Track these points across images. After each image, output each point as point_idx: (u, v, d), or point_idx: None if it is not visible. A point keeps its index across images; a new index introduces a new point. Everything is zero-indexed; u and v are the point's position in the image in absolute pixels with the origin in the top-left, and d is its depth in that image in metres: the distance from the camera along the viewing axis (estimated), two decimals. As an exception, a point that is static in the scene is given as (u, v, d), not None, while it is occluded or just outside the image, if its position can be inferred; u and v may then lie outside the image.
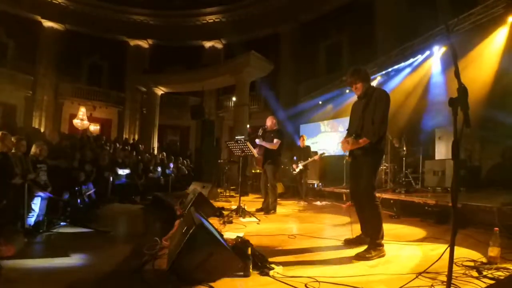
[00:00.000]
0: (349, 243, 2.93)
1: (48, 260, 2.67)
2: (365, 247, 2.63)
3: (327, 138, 10.55)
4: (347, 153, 2.95)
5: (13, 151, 4.09)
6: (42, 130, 13.37)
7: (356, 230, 3.05)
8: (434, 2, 9.60)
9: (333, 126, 10.47)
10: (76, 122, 15.54)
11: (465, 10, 6.07)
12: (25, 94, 15.80)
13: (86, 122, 15.77)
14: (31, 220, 3.78)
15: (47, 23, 16.15)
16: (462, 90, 1.36)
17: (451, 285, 1.50)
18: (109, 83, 17.85)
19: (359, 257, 2.48)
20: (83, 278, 2.21)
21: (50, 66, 16.15)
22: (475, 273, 2.05)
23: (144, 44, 18.25)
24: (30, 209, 3.77)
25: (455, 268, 2.06)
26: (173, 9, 17.32)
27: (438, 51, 6.88)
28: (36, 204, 3.90)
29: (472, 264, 2.21)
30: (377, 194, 3.01)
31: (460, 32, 6.08)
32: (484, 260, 2.26)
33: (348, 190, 6.36)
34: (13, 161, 3.91)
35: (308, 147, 7.12)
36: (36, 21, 15.90)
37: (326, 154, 7.15)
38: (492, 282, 1.91)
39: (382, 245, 2.59)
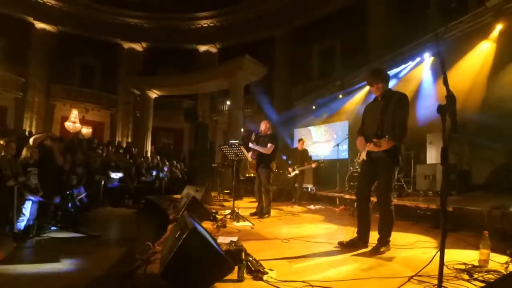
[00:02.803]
0: (343, 246, 2.94)
1: (38, 265, 2.62)
2: (359, 250, 2.81)
3: (321, 142, 10.62)
4: (364, 155, 2.91)
5: (2, 154, 4.03)
6: (33, 132, 13.15)
7: (351, 233, 3.08)
8: (425, 9, 9.80)
9: (327, 130, 10.55)
10: (68, 124, 15.35)
11: (455, 18, 6.21)
12: (16, 96, 15.57)
13: (78, 125, 15.59)
14: (21, 224, 3.72)
15: (39, 25, 15.99)
16: (450, 97, 1.40)
17: (442, 287, 1.52)
18: (102, 86, 17.70)
19: (373, 252, 2.70)
20: (74, 283, 2.18)
21: (41, 68, 15.97)
22: (466, 276, 2.08)
23: (138, 47, 18.18)
24: (20, 213, 3.71)
25: (446, 271, 2.09)
26: (167, 13, 17.32)
27: (429, 57, 7.01)
28: (27, 208, 3.83)
29: (463, 267, 2.24)
30: (371, 199, 3.05)
31: (450, 40, 6.21)
32: (475, 263, 2.29)
33: (340, 194, 6.43)
34: (2, 164, 3.85)
35: (305, 151, 7.08)
36: (28, 22, 15.74)
37: (319, 158, 7.13)
38: (482, 284, 1.94)
39: (390, 241, 2.82)
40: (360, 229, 2.97)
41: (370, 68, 8.57)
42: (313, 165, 6.72)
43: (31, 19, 15.74)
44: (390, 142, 2.62)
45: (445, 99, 1.39)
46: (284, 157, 6.89)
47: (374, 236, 2.90)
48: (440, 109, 1.38)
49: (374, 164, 2.86)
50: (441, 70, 1.48)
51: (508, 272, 2.16)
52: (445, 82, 1.42)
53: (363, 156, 2.94)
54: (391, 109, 2.74)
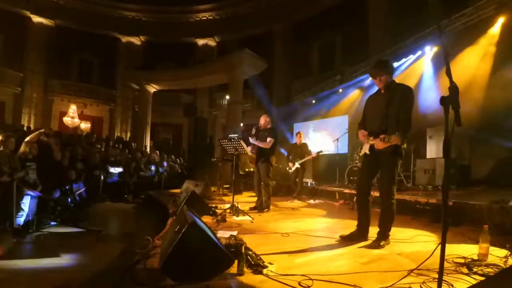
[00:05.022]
0: (344, 239, 2.97)
1: (38, 260, 2.62)
2: (360, 243, 2.83)
3: (321, 136, 10.60)
4: (367, 149, 2.86)
5: (1, 149, 4.01)
6: (32, 127, 13.11)
7: (351, 227, 3.09)
8: (426, 2, 9.71)
9: (326, 124, 10.52)
10: (66, 119, 15.31)
11: (457, 10, 6.15)
12: (14, 91, 15.49)
13: (76, 120, 15.54)
14: (20, 219, 3.71)
15: (36, 19, 15.84)
16: (453, 88, 1.37)
17: (442, 281, 1.51)
18: (100, 80, 17.63)
19: (371, 246, 2.68)
20: (74, 278, 2.18)
21: (39, 63, 15.87)
22: (465, 270, 2.08)
23: (136, 41, 18.04)
24: (19, 209, 3.70)
25: (446, 265, 2.08)
26: (166, 6, 17.15)
27: (430, 51, 6.96)
28: (25, 204, 3.82)
29: (462, 261, 2.24)
30: (371, 193, 3.04)
31: (452, 33, 6.16)
32: (474, 257, 2.29)
33: (340, 189, 6.43)
34: (1, 159, 3.83)
35: (305, 145, 6.98)
36: (25, 16, 15.58)
37: (322, 152, 6.99)
38: (482, 278, 1.94)
39: (389, 236, 2.80)
40: (360, 222, 2.97)
41: (370, 62, 8.53)
42: (314, 155, 6.67)
43: (28, 13, 15.57)
44: (399, 138, 2.54)
45: (448, 90, 1.37)
46: (290, 157, 6.77)
47: (374, 230, 2.90)
48: (443, 100, 1.35)
49: (377, 159, 2.81)
50: (444, 61, 1.45)
51: (507, 266, 2.17)
52: (448, 73, 1.39)
53: (366, 149, 2.89)
54: (396, 103, 2.66)
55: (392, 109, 2.68)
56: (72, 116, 15.42)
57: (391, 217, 2.79)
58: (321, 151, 6.81)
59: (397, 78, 7.82)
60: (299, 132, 7.12)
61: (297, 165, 6.63)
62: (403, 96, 2.68)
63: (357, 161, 6.84)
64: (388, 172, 2.77)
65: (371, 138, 2.81)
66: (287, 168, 6.93)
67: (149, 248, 2.56)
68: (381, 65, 2.85)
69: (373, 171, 2.92)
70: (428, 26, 6.88)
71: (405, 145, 2.75)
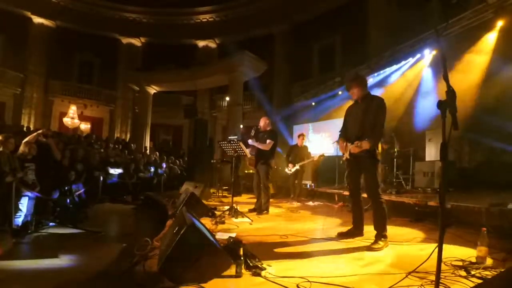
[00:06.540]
0: (342, 235, 3.17)
1: (36, 261, 2.62)
2: (357, 238, 3.08)
3: (320, 138, 10.61)
4: (348, 155, 3.14)
5: (0, 149, 4.01)
6: (32, 128, 13.10)
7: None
8: (425, 5, 9.75)
9: (326, 126, 10.53)
10: (66, 120, 15.32)
11: (456, 14, 6.17)
12: (14, 91, 15.50)
13: (76, 121, 15.55)
14: (19, 220, 3.70)
15: (37, 20, 15.87)
16: (451, 93, 1.39)
17: (440, 284, 1.52)
18: (100, 81, 17.63)
19: (370, 249, 2.74)
20: (73, 279, 2.18)
21: (40, 63, 15.88)
22: (463, 273, 2.08)
23: (136, 42, 18.08)
24: (17, 209, 3.69)
25: (444, 267, 2.10)
26: (166, 8, 17.20)
27: (429, 54, 6.98)
28: (23, 204, 3.81)
29: (460, 263, 2.24)
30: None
31: (451, 36, 6.18)
32: (472, 259, 2.30)
33: (340, 191, 6.43)
34: (0, 160, 3.83)
35: (305, 147, 6.95)
36: (26, 17, 15.61)
37: (325, 155, 6.96)
38: (480, 281, 1.95)
39: (387, 236, 2.87)
40: (355, 218, 3.23)
41: (369, 64, 8.56)
42: (316, 158, 6.67)
43: (28, 14, 15.61)
44: (369, 143, 2.85)
45: (445, 94, 1.38)
46: (280, 150, 6.72)
47: (371, 233, 2.91)
48: (440, 104, 1.37)
49: (357, 161, 3.08)
50: (441, 65, 1.46)
51: (505, 268, 2.17)
52: (445, 78, 1.41)
53: (346, 155, 3.17)
54: (372, 112, 2.96)
55: (368, 117, 2.97)
56: (72, 117, 15.44)
57: (383, 215, 2.93)
58: (323, 154, 6.80)
59: (397, 80, 7.90)
60: (302, 134, 7.05)
61: (297, 166, 6.62)
62: (378, 107, 2.97)
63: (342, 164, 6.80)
64: (370, 175, 3.00)
65: (349, 144, 3.09)
66: (286, 170, 6.91)
67: (148, 249, 2.56)
68: (353, 79, 3.18)
69: (358, 171, 3.18)
70: (427, 29, 6.90)
71: (380, 149, 3.06)
